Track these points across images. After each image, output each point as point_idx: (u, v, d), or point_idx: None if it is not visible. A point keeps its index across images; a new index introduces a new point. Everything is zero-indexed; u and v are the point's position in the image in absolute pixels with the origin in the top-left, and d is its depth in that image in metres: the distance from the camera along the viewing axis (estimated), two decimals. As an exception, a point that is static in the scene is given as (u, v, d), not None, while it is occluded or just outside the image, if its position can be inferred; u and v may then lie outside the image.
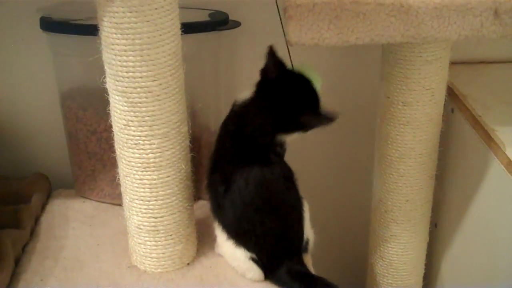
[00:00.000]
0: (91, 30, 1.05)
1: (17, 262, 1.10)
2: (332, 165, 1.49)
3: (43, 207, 1.27)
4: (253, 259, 1.04)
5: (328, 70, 1.39)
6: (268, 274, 1.05)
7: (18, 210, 1.19)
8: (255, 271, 1.05)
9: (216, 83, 1.26)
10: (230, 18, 1.21)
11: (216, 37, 1.20)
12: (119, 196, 1.11)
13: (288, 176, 1.04)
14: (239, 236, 1.03)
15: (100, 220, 1.23)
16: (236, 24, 1.20)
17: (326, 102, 1.41)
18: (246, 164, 0.99)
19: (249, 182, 0.99)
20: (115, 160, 1.04)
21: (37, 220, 1.23)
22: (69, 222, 1.22)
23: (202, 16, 1.19)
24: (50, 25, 1.17)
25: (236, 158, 1.01)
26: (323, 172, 1.49)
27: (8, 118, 1.33)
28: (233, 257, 1.06)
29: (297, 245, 1.06)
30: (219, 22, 1.17)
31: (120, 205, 1.14)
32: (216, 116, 1.22)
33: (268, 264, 1.04)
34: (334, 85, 1.40)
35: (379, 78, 1.17)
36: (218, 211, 1.04)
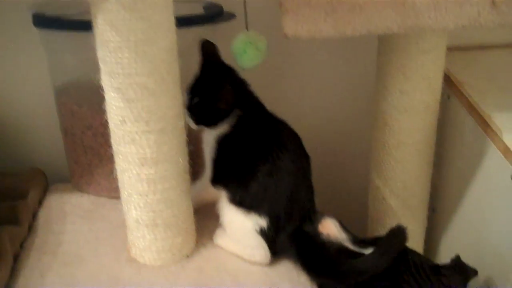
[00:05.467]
0: (84, 26, 1.04)
1: (16, 258, 1.10)
2: (330, 153, 1.49)
3: (40, 202, 1.27)
4: (261, 231, 1.05)
5: (325, 61, 1.38)
6: (276, 246, 1.06)
7: (15, 206, 1.19)
8: (262, 248, 1.06)
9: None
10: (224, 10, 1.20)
11: (211, 30, 1.19)
12: (116, 189, 1.10)
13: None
14: (252, 200, 1.05)
15: (98, 214, 1.23)
16: (231, 16, 1.18)
17: (324, 92, 1.42)
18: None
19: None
20: (112, 154, 1.04)
21: (34, 215, 1.22)
22: (66, 217, 1.22)
23: (196, 9, 1.18)
24: (42, 21, 1.16)
25: None
26: (319, 160, 1.49)
27: (4, 114, 1.33)
28: (241, 231, 1.07)
29: (309, 207, 1.08)
30: (214, 15, 1.16)
31: (117, 198, 1.14)
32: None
33: (278, 229, 1.05)
34: (331, 76, 1.41)
35: (375, 67, 1.17)
36: (225, 180, 1.06)
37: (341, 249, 1.00)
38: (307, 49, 1.35)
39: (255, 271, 1.06)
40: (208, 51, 1.09)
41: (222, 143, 1.09)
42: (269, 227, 1.05)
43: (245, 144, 1.07)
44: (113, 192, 1.21)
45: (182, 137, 1.02)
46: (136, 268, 1.07)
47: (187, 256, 1.10)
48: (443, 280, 0.94)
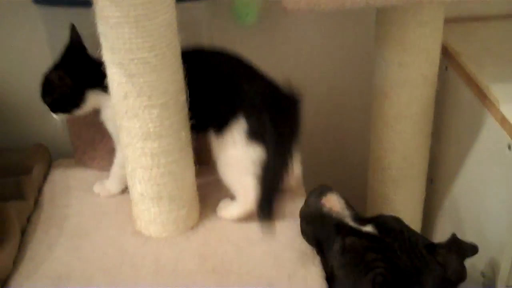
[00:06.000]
0: (83, 2, 1.05)
1: (23, 232, 1.12)
2: (330, 126, 1.51)
3: (44, 178, 1.28)
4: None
5: (323, 33, 1.39)
6: None
7: (21, 181, 1.21)
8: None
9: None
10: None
11: (210, 4, 1.19)
12: None
13: None
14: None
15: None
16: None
17: (323, 65, 1.42)
18: None
19: None
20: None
21: (39, 190, 1.24)
22: (71, 191, 1.24)
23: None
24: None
25: None
26: (321, 130, 1.51)
27: (6, 90, 1.33)
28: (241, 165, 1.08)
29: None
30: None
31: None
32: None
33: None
34: (329, 48, 1.41)
35: (374, 40, 1.18)
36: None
37: (339, 224, 1.01)
38: (304, 19, 1.36)
39: (258, 242, 1.08)
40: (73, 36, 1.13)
41: None
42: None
43: None
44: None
45: (184, 112, 1.03)
46: (142, 241, 1.10)
47: (191, 228, 1.12)
48: (438, 259, 0.95)
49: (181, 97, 1.02)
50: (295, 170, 1.15)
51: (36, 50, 1.28)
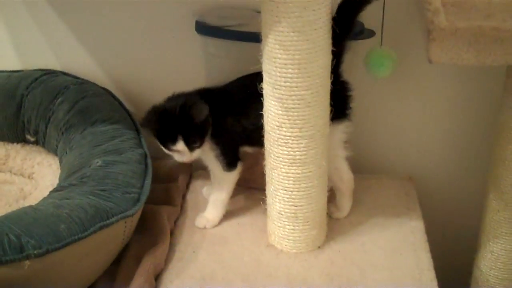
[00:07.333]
0: (242, 36, 1.20)
1: (171, 234, 1.27)
2: (448, 160, 1.59)
3: (187, 186, 1.44)
4: None
5: (453, 86, 1.48)
6: None
7: (169, 188, 1.37)
8: None
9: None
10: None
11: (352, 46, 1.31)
12: (253, 181, 1.33)
13: None
14: None
15: (238, 200, 1.38)
16: (371, 33, 1.30)
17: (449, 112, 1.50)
18: None
19: None
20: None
21: (183, 197, 1.40)
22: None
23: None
24: (204, 29, 1.32)
25: None
26: (439, 171, 1.59)
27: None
28: None
29: None
30: (358, 32, 1.27)
31: (255, 189, 1.31)
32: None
33: None
34: (458, 101, 1.50)
35: (497, 101, 1.27)
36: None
37: None
38: (436, 70, 1.44)
39: (382, 268, 1.18)
40: None
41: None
42: None
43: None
44: (251, 183, 1.37)
45: (327, 143, 1.15)
46: (275, 253, 1.22)
47: (319, 247, 1.24)
48: None
49: (326, 130, 1.14)
50: (347, 174, 1.29)
51: (192, 74, 1.44)
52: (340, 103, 1.18)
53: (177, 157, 1.21)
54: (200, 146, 1.20)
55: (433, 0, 1.07)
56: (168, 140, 1.17)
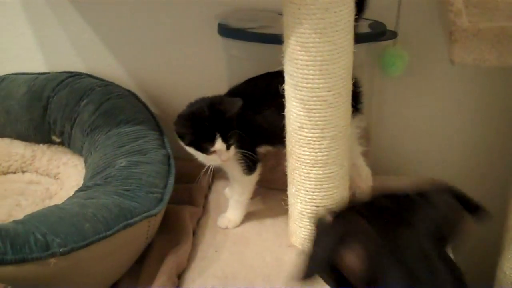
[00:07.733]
0: (264, 38, 1.21)
1: (194, 234, 1.29)
2: (471, 161, 1.58)
3: (209, 187, 1.46)
4: None
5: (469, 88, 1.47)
6: None
7: (192, 188, 1.39)
8: None
9: (370, 92, 1.37)
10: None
11: (373, 47, 1.32)
12: (274, 181, 1.33)
13: None
14: None
15: (260, 200, 1.40)
16: (394, 35, 1.30)
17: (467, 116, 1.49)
18: None
19: None
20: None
21: (206, 198, 1.42)
22: (232, 202, 1.39)
23: (362, 27, 1.30)
24: (227, 31, 1.34)
25: None
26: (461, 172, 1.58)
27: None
28: None
29: None
30: (379, 33, 1.28)
31: (276, 189, 1.32)
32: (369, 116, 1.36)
33: None
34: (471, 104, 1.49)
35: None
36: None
37: None
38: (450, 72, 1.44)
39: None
40: None
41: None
42: None
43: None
44: (273, 184, 1.38)
45: (348, 144, 1.16)
46: (296, 253, 1.23)
47: (339, 248, 1.24)
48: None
49: (347, 131, 1.14)
50: (365, 171, 1.31)
51: (214, 75, 1.46)
52: (352, 99, 1.17)
53: (213, 160, 1.20)
54: (234, 142, 1.19)
55: (455, 1, 1.07)
56: (205, 141, 1.17)
